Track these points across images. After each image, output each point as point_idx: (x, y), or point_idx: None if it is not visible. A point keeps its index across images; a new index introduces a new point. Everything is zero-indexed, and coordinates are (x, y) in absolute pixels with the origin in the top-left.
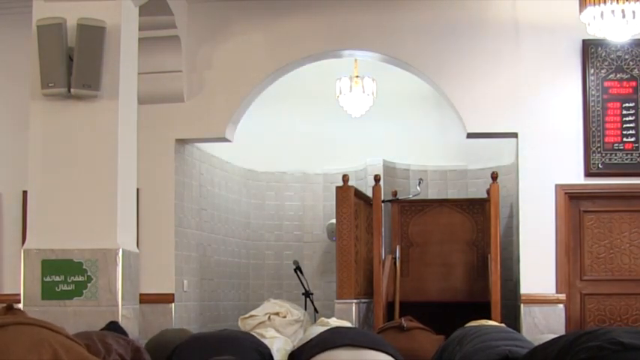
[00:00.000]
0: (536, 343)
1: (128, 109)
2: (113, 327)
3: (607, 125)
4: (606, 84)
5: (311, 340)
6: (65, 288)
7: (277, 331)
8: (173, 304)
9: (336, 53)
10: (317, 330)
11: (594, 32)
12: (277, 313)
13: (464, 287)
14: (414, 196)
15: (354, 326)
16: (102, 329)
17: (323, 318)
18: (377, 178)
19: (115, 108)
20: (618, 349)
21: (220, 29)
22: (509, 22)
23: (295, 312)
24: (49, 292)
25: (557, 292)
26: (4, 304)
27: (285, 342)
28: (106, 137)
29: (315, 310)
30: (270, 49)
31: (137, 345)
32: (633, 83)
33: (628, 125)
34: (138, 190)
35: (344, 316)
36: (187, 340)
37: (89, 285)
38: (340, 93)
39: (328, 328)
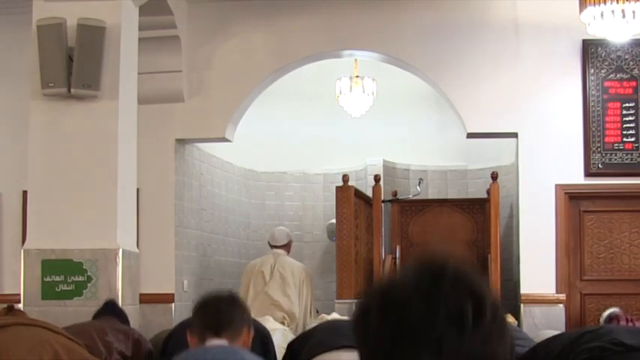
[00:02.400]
0: (537, 340)
1: (128, 109)
2: (111, 308)
3: (607, 125)
4: (606, 84)
5: (312, 336)
6: (65, 288)
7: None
8: (173, 304)
9: (336, 53)
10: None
11: (594, 32)
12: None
13: None
14: (414, 196)
15: None
16: (98, 310)
17: (323, 315)
18: (377, 178)
19: (115, 108)
20: (620, 349)
21: (220, 29)
22: (509, 22)
23: (294, 304)
24: (49, 292)
25: (557, 292)
26: (5, 305)
27: (285, 334)
28: (106, 137)
29: (316, 310)
30: (270, 49)
31: (136, 337)
32: (633, 83)
33: (628, 125)
34: (138, 190)
35: (344, 317)
36: (182, 323)
37: (89, 285)
38: (340, 93)
39: (329, 320)
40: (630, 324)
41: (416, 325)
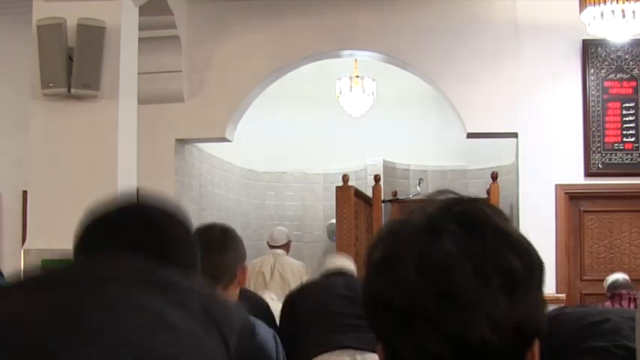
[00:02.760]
0: None
1: (128, 109)
2: None
3: (607, 125)
4: (606, 84)
5: (310, 331)
6: None
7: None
8: None
9: (336, 53)
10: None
11: (594, 32)
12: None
13: None
14: (414, 196)
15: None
16: None
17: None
18: (377, 178)
19: (115, 108)
20: (624, 354)
21: (220, 29)
22: (509, 22)
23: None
24: None
25: (557, 292)
26: None
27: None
28: (106, 137)
29: None
30: (270, 49)
31: None
32: (633, 83)
33: (628, 125)
34: (138, 190)
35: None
36: None
37: None
38: (340, 93)
39: (329, 289)
40: (632, 304)
41: (462, 288)
